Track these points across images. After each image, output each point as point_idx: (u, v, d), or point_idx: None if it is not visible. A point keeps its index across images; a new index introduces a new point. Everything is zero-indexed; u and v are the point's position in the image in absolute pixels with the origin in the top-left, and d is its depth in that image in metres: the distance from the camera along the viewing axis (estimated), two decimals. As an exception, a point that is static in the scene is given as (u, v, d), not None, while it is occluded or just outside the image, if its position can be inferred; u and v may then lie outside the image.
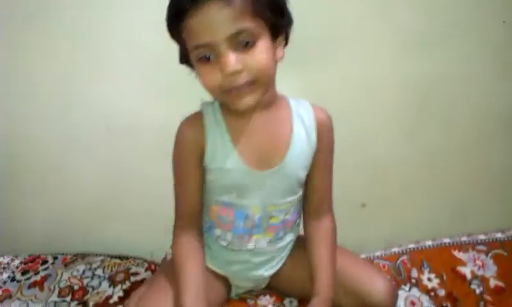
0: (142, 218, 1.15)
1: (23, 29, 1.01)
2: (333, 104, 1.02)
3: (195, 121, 0.76)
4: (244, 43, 0.62)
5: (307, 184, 0.82)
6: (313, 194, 0.83)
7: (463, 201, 1.15)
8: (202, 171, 0.77)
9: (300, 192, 0.82)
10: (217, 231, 0.82)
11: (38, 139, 1.11)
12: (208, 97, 0.72)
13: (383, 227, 1.15)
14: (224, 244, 0.82)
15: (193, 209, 0.79)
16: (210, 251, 0.83)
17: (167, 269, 0.81)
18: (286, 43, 0.72)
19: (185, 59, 0.71)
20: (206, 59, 0.64)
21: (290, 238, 0.85)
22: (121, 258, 1.09)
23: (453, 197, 1.15)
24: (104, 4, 0.97)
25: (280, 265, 0.85)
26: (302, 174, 0.79)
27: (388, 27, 0.99)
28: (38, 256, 1.13)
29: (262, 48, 0.64)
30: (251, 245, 0.81)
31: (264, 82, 0.66)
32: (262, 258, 0.83)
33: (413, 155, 1.10)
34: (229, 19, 0.60)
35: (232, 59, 0.61)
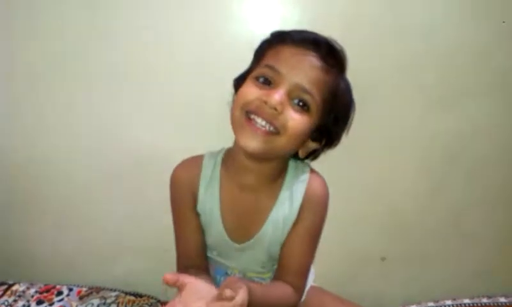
0: (158, 254, 1.16)
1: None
2: (358, 160, 1.04)
3: (192, 168, 0.77)
4: (297, 101, 0.64)
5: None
6: (281, 259, 0.76)
7: (484, 261, 1.13)
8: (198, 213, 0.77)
9: None
10: None
11: (65, 174, 1.14)
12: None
13: (401, 283, 1.13)
14: None
15: (195, 249, 0.78)
16: None
17: None
18: (324, 148, 0.76)
19: (241, 80, 0.72)
20: (261, 81, 0.65)
21: None
22: (135, 295, 1.09)
23: (475, 256, 1.12)
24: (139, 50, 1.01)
25: None
26: (279, 247, 0.76)
27: (414, 85, 1.00)
28: (54, 287, 1.13)
29: (302, 119, 0.65)
30: None
31: (281, 144, 0.66)
32: None
33: (436, 211, 1.09)
34: (312, 76, 0.64)
35: (281, 98, 0.63)
